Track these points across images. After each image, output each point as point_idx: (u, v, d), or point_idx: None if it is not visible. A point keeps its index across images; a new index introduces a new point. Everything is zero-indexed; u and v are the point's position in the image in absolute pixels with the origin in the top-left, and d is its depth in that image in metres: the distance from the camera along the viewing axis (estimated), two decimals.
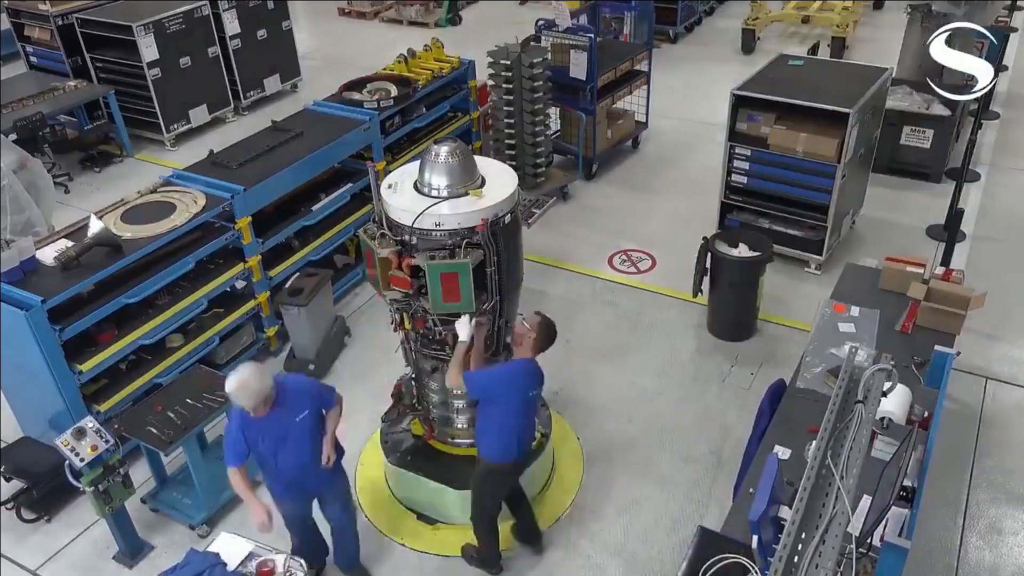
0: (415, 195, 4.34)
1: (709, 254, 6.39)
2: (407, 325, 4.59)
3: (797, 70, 7.47)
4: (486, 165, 4.58)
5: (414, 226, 4.19)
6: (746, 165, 7.17)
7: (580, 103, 8.61)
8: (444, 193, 4.28)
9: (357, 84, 7.73)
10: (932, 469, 3.92)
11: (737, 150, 7.17)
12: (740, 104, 7.10)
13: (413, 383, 5.09)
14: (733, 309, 6.56)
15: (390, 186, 4.43)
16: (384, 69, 8.23)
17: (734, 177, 7.29)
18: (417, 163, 4.45)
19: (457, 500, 5.02)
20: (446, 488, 5.01)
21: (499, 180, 4.44)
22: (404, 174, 4.53)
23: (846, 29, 11.91)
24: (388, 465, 5.25)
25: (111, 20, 9.69)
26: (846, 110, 6.50)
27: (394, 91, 7.51)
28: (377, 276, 4.41)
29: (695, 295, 6.57)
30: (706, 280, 6.56)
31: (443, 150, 4.29)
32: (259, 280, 6.32)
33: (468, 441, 5.07)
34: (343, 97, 7.52)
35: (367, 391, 6.13)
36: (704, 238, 6.46)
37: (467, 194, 4.29)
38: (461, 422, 5.06)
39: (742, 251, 6.43)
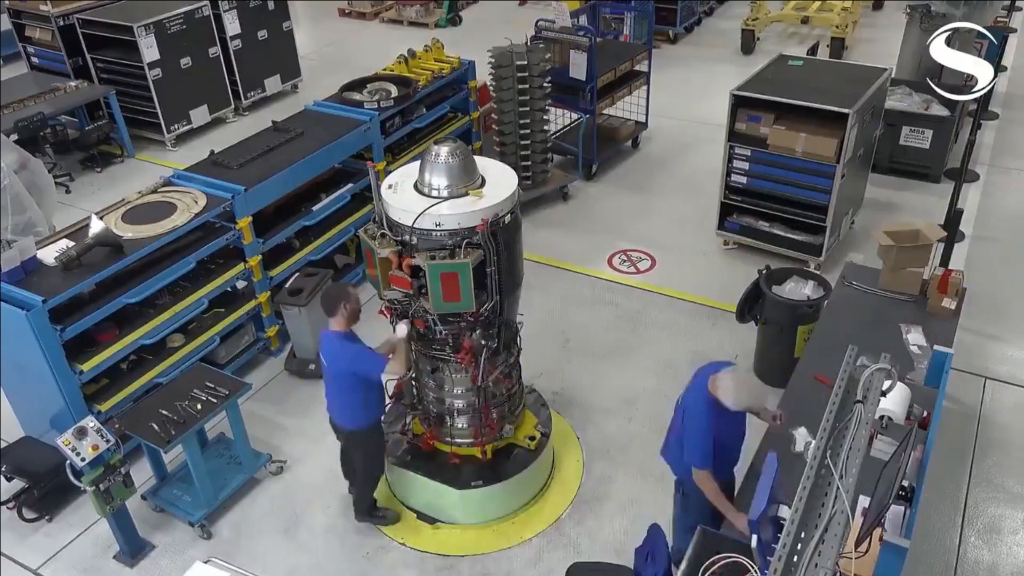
0: (415, 195, 4.35)
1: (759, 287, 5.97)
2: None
3: (797, 70, 7.47)
4: (486, 165, 4.60)
5: (414, 226, 4.20)
6: (746, 165, 7.16)
7: (580, 103, 8.62)
8: (444, 193, 4.29)
9: (357, 84, 7.74)
10: (931, 468, 3.94)
11: (737, 150, 7.16)
12: (740, 104, 7.08)
13: (413, 383, 5.10)
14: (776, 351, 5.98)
15: (390, 186, 4.44)
16: (384, 69, 8.23)
17: (734, 177, 7.29)
18: (417, 163, 4.46)
19: (457, 499, 5.04)
20: (446, 488, 5.02)
21: (499, 180, 4.46)
22: (404, 174, 4.54)
23: (845, 29, 11.92)
24: (388, 465, 5.27)
25: (112, 21, 9.70)
26: (845, 110, 6.50)
27: (394, 91, 7.52)
28: (377, 276, 4.42)
29: (741, 320, 6.26)
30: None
31: (443, 150, 4.30)
32: (259, 280, 6.33)
33: (468, 440, 5.09)
34: (343, 97, 7.54)
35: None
36: (759, 271, 6.07)
37: (467, 194, 4.30)
38: (461, 422, 5.07)
39: (793, 289, 5.97)
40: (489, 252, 4.27)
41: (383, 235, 4.38)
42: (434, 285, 4.20)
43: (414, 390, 5.12)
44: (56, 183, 9.02)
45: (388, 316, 4.68)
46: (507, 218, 4.36)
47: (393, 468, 5.22)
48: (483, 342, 4.59)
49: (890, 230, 5.31)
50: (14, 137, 8.47)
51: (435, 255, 4.20)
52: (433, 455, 5.16)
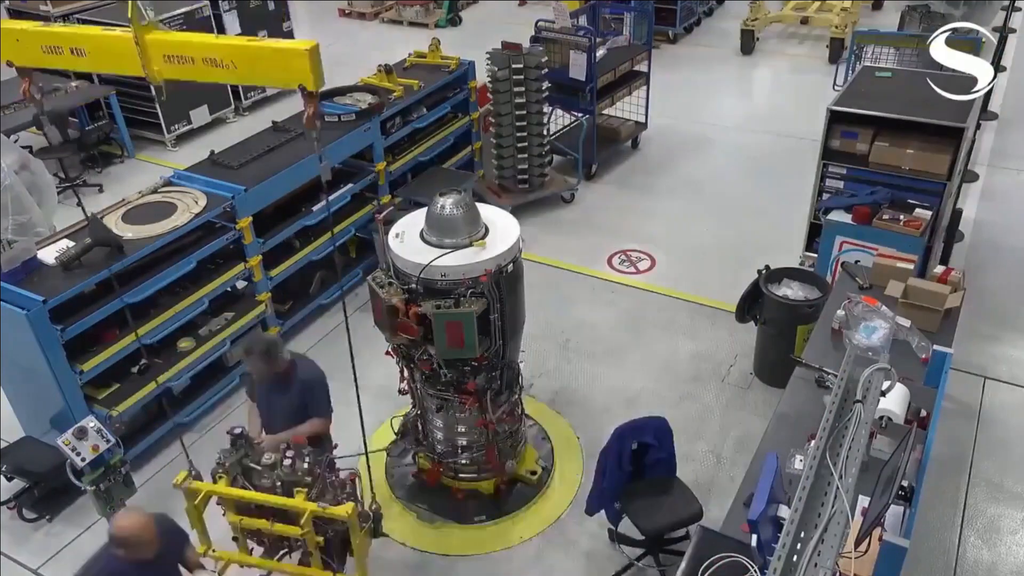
0: (422, 245, 4.43)
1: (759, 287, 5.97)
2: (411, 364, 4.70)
3: (887, 82, 7.02)
4: (490, 214, 4.66)
5: (420, 276, 4.28)
6: (840, 184, 6.62)
7: (580, 104, 8.63)
8: (449, 244, 4.36)
9: (327, 95, 7.48)
10: (931, 468, 3.94)
11: (831, 168, 6.61)
12: (834, 120, 6.50)
13: (419, 419, 5.16)
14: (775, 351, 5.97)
15: (397, 235, 4.52)
16: (360, 80, 7.97)
17: (826, 197, 6.70)
18: (423, 212, 4.54)
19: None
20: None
21: (502, 230, 4.54)
22: (411, 223, 4.62)
23: (845, 30, 11.93)
24: (393, 498, 5.34)
25: (112, 21, 9.67)
26: (960, 125, 6.06)
27: (365, 103, 7.31)
28: (384, 322, 4.49)
29: (741, 320, 6.27)
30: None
31: (448, 202, 4.38)
32: (260, 280, 6.33)
33: (472, 475, 5.18)
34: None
35: (366, 391, 6.14)
36: (758, 271, 6.07)
37: (471, 244, 4.37)
38: (465, 458, 5.13)
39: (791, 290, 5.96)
40: (492, 300, 4.35)
41: (391, 283, 4.45)
42: (439, 333, 4.29)
43: (419, 426, 5.18)
44: (74, 187, 9.09)
45: (395, 357, 4.79)
46: (509, 267, 4.44)
47: (397, 502, 5.30)
48: (486, 384, 4.70)
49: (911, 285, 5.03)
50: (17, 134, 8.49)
51: (440, 304, 4.27)
52: (438, 490, 5.26)
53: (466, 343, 4.33)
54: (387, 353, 4.87)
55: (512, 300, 4.56)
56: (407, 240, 4.48)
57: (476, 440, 5.01)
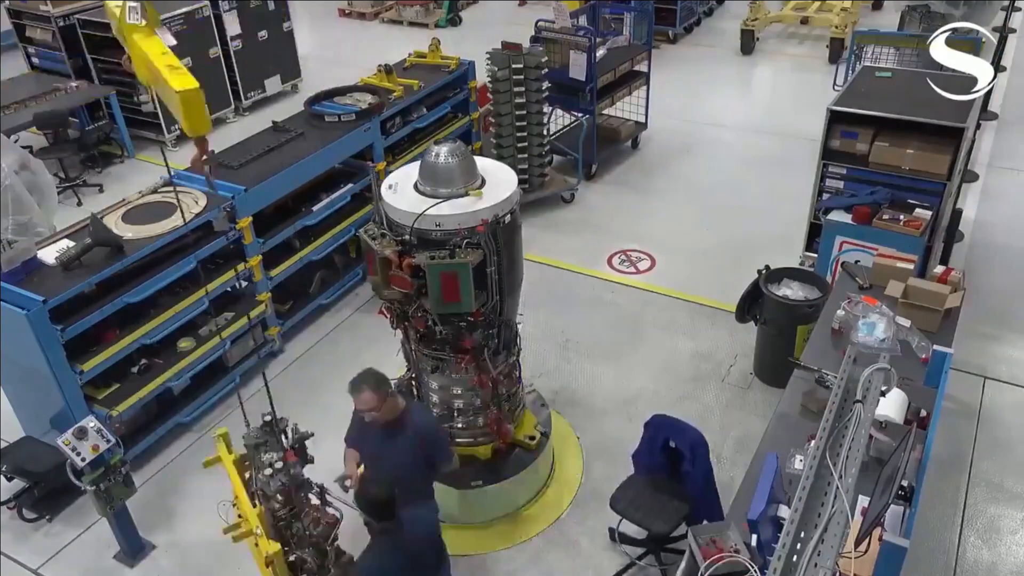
0: (415, 195, 4.36)
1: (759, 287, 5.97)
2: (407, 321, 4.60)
3: (886, 82, 7.03)
4: (486, 166, 4.60)
5: (414, 226, 4.20)
6: (840, 184, 6.59)
7: (580, 104, 8.63)
8: (444, 194, 4.30)
9: (327, 95, 7.54)
10: (931, 468, 3.94)
11: (831, 168, 6.58)
12: (834, 120, 6.47)
13: (413, 383, 5.10)
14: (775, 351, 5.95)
15: (390, 187, 4.44)
16: (360, 80, 7.99)
17: (826, 197, 6.67)
18: (417, 164, 4.47)
19: (457, 499, 5.05)
20: (446, 488, 5.02)
21: (499, 181, 4.46)
22: (404, 175, 4.55)
23: (845, 30, 11.93)
24: None
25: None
26: (960, 125, 6.04)
27: (365, 103, 7.32)
28: (377, 276, 4.43)
29: (741, 320, 6.26)
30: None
31: (443, 150, 4.32)
32: (260, 280, 6.33)
33: (468, 440, 5.10)
34: (311, 111, 7.29)
35: None
36: (758, 271, 6.06)
37: (467, 194, 4.31)
38: (461, 422, 5.07)
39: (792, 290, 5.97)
40: (489, 252, 4.28)
41: (383, 235, 4.39)
42: (434, 285, 4.20)
43: (415, 390, 5.12)
44: (72, 187, 9.10)
45: (388, 316, 4.69)
46: (507, 218, 4.37)
47: None
48: (483, 342, 4.59)
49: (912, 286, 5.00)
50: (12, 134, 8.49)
51: (435, 255, 4.20)
52: None
53: (462, 296, 4.20)
54: (380, 312, 4.72)
55: (509, 253, 4.46)
56: (400, 191, 4.39)
57: (472, 403, 4.92)
